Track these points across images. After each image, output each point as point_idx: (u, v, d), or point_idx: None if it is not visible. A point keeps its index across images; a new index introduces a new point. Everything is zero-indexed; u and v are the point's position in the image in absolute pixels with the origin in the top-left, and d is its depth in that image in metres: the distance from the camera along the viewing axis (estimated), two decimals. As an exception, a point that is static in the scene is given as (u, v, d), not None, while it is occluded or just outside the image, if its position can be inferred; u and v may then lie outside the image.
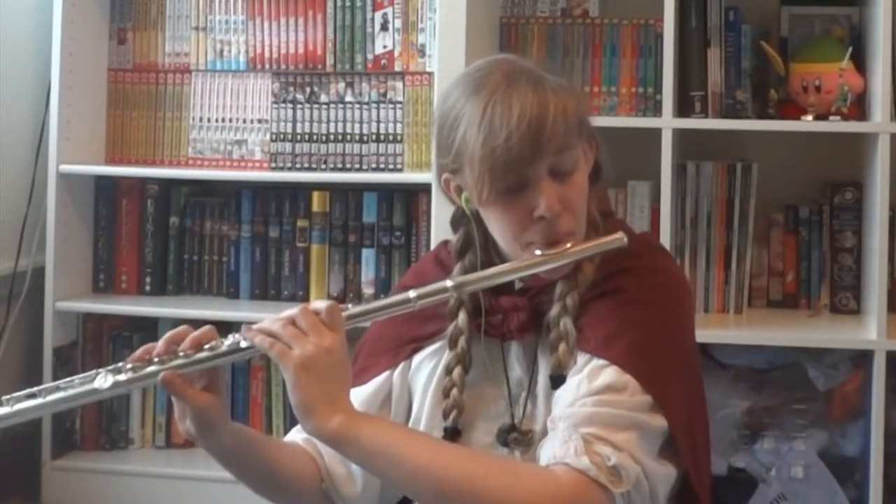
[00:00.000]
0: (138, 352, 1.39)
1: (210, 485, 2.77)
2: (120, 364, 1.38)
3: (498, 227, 1.46)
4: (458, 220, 1.55)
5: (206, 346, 1.38)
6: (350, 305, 1.41)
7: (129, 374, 1.37)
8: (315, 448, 1.52)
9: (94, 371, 1.38)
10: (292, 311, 1.37)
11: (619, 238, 1.44)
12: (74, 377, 1.39)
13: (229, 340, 1.39)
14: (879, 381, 2.41)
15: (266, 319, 1.38)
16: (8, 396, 1.37)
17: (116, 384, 1.36)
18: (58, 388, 1.37)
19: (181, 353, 1.38)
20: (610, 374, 1.39)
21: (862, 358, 2.52)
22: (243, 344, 1.38)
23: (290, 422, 2.84)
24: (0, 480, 2.78)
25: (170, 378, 1.35)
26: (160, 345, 1.39)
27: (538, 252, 1.43)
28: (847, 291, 2.70)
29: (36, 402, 1.36)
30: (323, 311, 1.37)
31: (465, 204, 1.48)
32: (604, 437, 1.35)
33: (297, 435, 1.56)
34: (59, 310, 2.86)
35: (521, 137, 1.38)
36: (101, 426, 2.96)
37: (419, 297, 1.41)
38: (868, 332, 2.49)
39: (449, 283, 1.43)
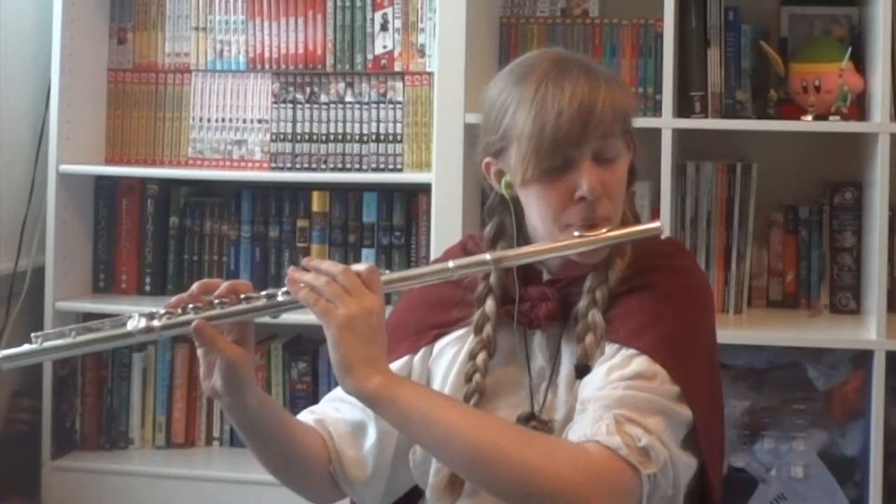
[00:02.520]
0: (173, 299, 1.40)
1: (210, 485, 2.78)
2: (153, 310, 1.39)
3: (537, 206, 1.47)
4: (493, 209, 1.57)
5: (243, 297, 1.39)
6: (388, 271, 1.43)
7: (164, 321, 1.38)
8: (325, 430, 1.54)
9: (125, 315, 1.39)
10: (333, 268, 1.38)
11: (656, 228, 1.48)
12: (106, 320, 1.40)
13: (266, 292, 1.40)
14: (879, 381, 2.41)
15: (307, 274, 1.38)
16: (37, 334, 1.38)
17: (149, 329, 1.37)
18: (88, 329, 1.38)
19: (216, 302, 1.38)
20: (640, 362, 1.41)
21: (862, 358, 2.52)
22: (281, 297, 1.39)
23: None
24: (0, 480, 2.78)
25: (202, 326, 1.37)
26: (193, 289, 1.40)
27: (576, 234, 1.45)
28: (847, 291, 2.70)
29: (65, 341, 1.37)
30: (363, 272, 1.39)
31: (504, 189, 1.51)
32: (634, 418, 1.36)
33: (307, 416, 1.57)
34: (59, 310, 2.86)
35: (571, 117, 1.41)
36: (101, 426, 2.96)
37: (458, 268, 1.43)
38: (868, 332, 2.49)
39: (488, 256, 1.45)
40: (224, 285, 1.40)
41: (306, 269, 1.40)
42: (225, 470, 2.80)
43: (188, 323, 1.37)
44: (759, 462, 2.59)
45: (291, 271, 1.39)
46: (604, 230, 1.45)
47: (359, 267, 1.40)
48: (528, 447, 1.35)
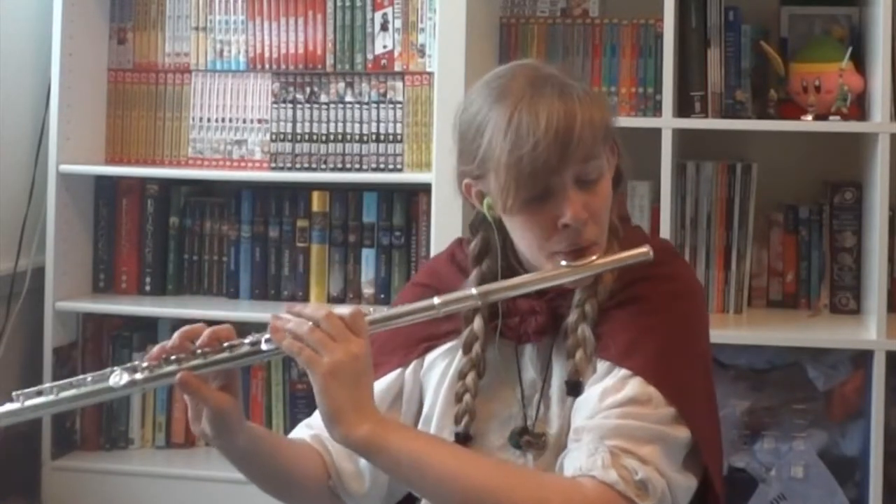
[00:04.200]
0: (154, 350, 1.36)
1: (210, 485, 2.78)
2: (136, 363, 1.36)
3: (522, 235, 1.45)
4: (477, 225, 1.54)
5: (226, 345, 1.37)
6: (373, 310, 1.40)
7: (146, 374, 1.34)
8: (322, 445, 1.52)
9: (108, 369, 1.36)
10: (316, 312, 1.36)
11: (644, 252, 1.43)
12: (87, 375, 1.36)
13: (249, 340, 1.37)
14: (879, 381, 2.41)
15: (290, 321, 1.36)
16: (18, 392, 1.35)
17: (132, 383, 1.34)
18: (70, 385, 1.35)
19: (199, 352, 1.36)
20: (634, 386, 1.39)
21: (862, 358, 2.52)
22: (265, 346, 1.37)
23: (291, 421, 2.85)
24: (0, 480, 2.78)
25: (187, 379, 1.34)
26: (174, 339, 1.37)
27: (564, 263, 1.42)
28: (847, 291, 2.70)
29: (47, 399, 1.34)
30: (347, 317, 1.35)
31: (486, 210, 1.47)
32: (630, 450, 1.34)
33: (304, 431, 1.55)
34: (59, 310, 2.86)
35: (548, 146, 1.37)
36: (101, 426, 2.96)
37: (444, 305, 1.40)
38: (868, 332, 2.49)
39: (474, 290, 1.41)
40: (206, 333, 1.37)
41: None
42: (225, 470, 2.74)
43: (172, 375, 1.34)
44: (759, 462, 2.59)
45: (273, 319, 1.36)
46: (592, 257, 1.42)
47: (343, 310, 1.36)
48: (523, 488, 1.33)
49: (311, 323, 1.34)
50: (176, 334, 1.37)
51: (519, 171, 1.38)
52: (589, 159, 1.40)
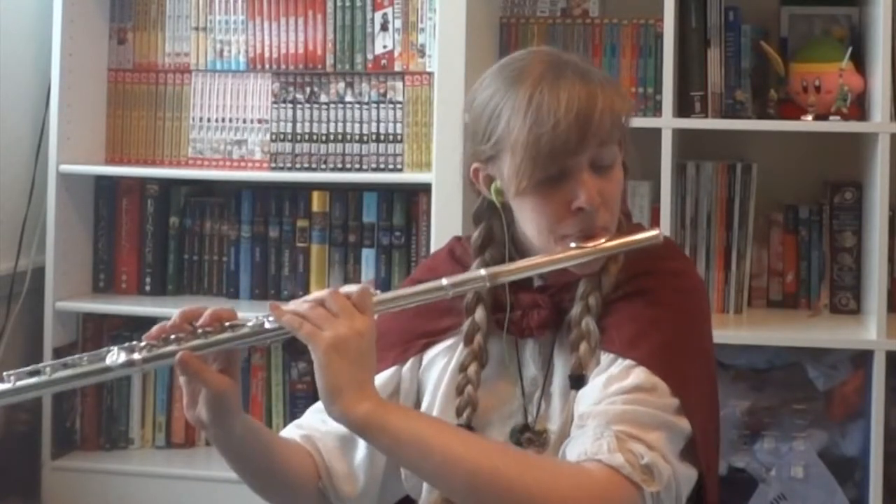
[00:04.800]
0: (153, 329, 1.34)
1: (210, 485, 2.77)
2: (134, 343, 1.33)
3: (532, 218, 1.43)
4: (480, 214, 1.53)
5: (227, 325, 1.34)
6: (380, 292, 1.38)
7: (144, 354, 1.31)
8: (313, 445, 1.50)
9: (104, 349, 1.32)
10: (320, 293, 1.34)
11: (655, 235, 1.44)
12: (83, 354, 1.33)
13: (252, 321, 1.35)
14: (879, 381, 2.41)
15: (292, 302, 1.34)
16: (10, 372, 1.30)
17: (129, 363, 1.30)
18: (65, 366, 1.31)
19: (199, 331, 1.33)
20: (639, 374, 1.38)
21: (862, 358, 2.52)
22: (268, 325, 1.34)
23: (290, 421, 2.84)
24: (0, 480, 2.78)
25: (187, 359, 1.31)
26: (174, 318, 1.34)
27: (573, 245, 1.41)
28: (847, 291, 2.70)
29: (39, 380, 1.30)
30: (354, 294, 1.34)
31: (494, 195, 1.46)
32: (636, 435, 1.33)
33: (294, 431, 1.53)
34: (59, 310, 2.86)
35: (568, 126, 1.36)
36: (101, 426, 2.96)
37: (452, 286, 1.39)
38: (868, 332, 2.49)
39: (483, 272, 1.40)
40: (207, 313, 1.34)
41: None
42: (225, 470, 2.71)
43: (172, 355, 1.31)
44: (759, 462, 2.59)
45: (272, 304, 1.35)
46: (602, 240, 1.41)
47: (350, 288, 1.35)
48: (529, 471, 1.31)
49: (312, 301, 1.33)
50: (176, 314, 1.35)
51: (537, 151, 1.37)
52: (605, 144, 1.40)
